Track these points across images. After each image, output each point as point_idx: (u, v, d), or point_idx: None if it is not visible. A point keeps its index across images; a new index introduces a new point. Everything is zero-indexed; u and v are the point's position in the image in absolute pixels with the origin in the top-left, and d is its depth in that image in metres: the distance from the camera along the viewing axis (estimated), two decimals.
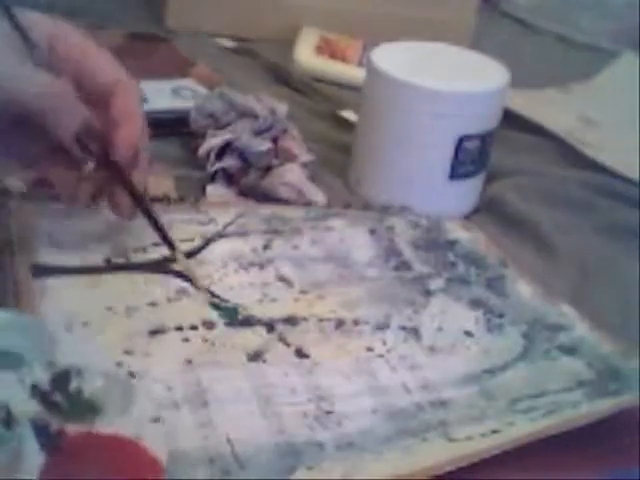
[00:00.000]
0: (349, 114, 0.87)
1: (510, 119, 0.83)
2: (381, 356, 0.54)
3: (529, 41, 1.20)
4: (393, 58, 0.71)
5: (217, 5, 1.02)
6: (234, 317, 0.55)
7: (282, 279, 0.60)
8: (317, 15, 1.04)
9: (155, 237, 0.60)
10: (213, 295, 0.56)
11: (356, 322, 0.57)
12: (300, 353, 0.53)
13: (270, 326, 0.55)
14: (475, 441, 0.48)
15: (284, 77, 0.95)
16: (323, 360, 0.53)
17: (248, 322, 0.55)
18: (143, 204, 0.57)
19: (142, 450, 0.43)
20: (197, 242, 0.61)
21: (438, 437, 0.48)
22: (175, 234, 0.61)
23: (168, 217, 0.63)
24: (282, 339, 0.54)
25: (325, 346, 0.54)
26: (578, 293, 0.65)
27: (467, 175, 0.72)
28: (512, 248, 0.69)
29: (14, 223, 0.58)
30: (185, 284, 0.57)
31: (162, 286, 0.56)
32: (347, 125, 0.85)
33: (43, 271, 0.55)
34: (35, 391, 0.44)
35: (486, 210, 0.75)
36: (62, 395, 0.45)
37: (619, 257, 0.71)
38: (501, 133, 0.74)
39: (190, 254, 0.60)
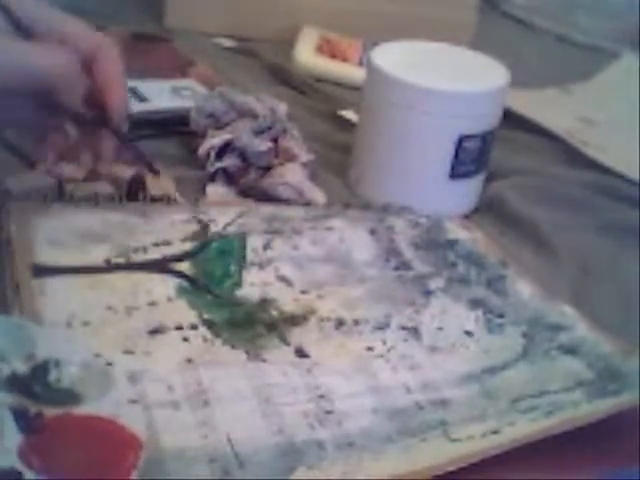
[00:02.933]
0: (349, 114, 0.87)
1: (510, 119, 0.83)
2: (381, 356, 0.54)
3: (529, 41, 1.20)
4: (393, 58, 0.71)
5: (217, 5, 1.02)
6: (234, 316, 0.55)
7: (282, 279, 0.60)
8: (317, 15, 1.04)
9: (155, 237, 0.60)
10: (213, 295, 0.56)
11: (356, 322, 0.57)
12: (300, 353, 0.53)
13: (270, 326, 0.55)
14: (475, 441, 0.48)
15: (284, 77, 0.95)
16: (323, 360, 0.53)
17: (248, 321, 0.55)
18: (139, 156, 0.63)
19: (120, 427, 0.43)
20: (197, 242, 0.61)
21: (438, 437, 0.48)
22: (175, 234, 0.61)
23: (168, 217, 0.63)
24: (282, 339, 0.54)
25: (325, 346, 0.54)
26: (578, 293, 0.65)
27: (467, 175, 0.72)
28: (512, 248, 0.69)
29: (14, 223, 0.58)
30: (185, 284, 0.57)
31: (162, 286, 0.56)
32: (347, 125, 0.85)
33: (43, 271, 0.55)
34: (13, 381, 0.45)
35: (486, 210, 0.75)
36: (41, 385, 0.46)
37: (619, 257, 0.71)
38: (501, 133, 0.74)
39: (190, 254, 0.60)
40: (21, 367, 0.46)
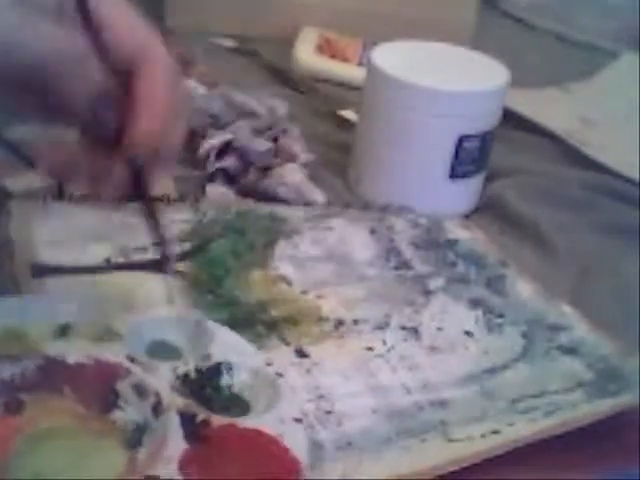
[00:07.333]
0: (349, 114, 0.87)
1: (510, 119, 0.83)
2: (381, 356, 0.54)
3: (529, 41, 1.20)
4: (393, 58, 0.71)
5: (217, 5, 1.02)
6: (234, 316, 0.55)
7: (282, 279, 0.60)
8: (317, 15, 1.04)
9: (155, 237, 0.60)
10: (213, 295, 0.56)
11: (356, 322, 0.57)
12: (300, 353, 0.53)
13: (270, 326, 0.55)
14: (475, 441, 0.48)
15: (284, 77, 0.95)
16: (323, 360, 0.53)
17: (248, 321, 0.55)
18: (148, 207, 0.52)
19: (283, 449, 0.42)
20: (197, 242, 0.61)
21: (438, 437, 0.48)
22: (175, 234, 0.61)
23: (168, 217, 0.63)
24: (282, 339, 0.54)
25: (325, 346, 0.54)
26: (578, 293, 0.65)
27: (467, 175, 0.72)
28: (512, 248, 0.69)
29: (14, 223, 0.58)
30: (185, 284, 0.57)
31: (162, 286, 0.56)
32: (347, 125, 0.85)
33: (43, 271, 0.55)
34: (186, 382, 0.45)
35: (486, 210, 0.75)
36: (212, 388, 0.45)
37: (619, 257, 0.71)
38: (501, 133, 0.74)
39: (190, 254, 0.60)
40: (195, 367, 0.46)
